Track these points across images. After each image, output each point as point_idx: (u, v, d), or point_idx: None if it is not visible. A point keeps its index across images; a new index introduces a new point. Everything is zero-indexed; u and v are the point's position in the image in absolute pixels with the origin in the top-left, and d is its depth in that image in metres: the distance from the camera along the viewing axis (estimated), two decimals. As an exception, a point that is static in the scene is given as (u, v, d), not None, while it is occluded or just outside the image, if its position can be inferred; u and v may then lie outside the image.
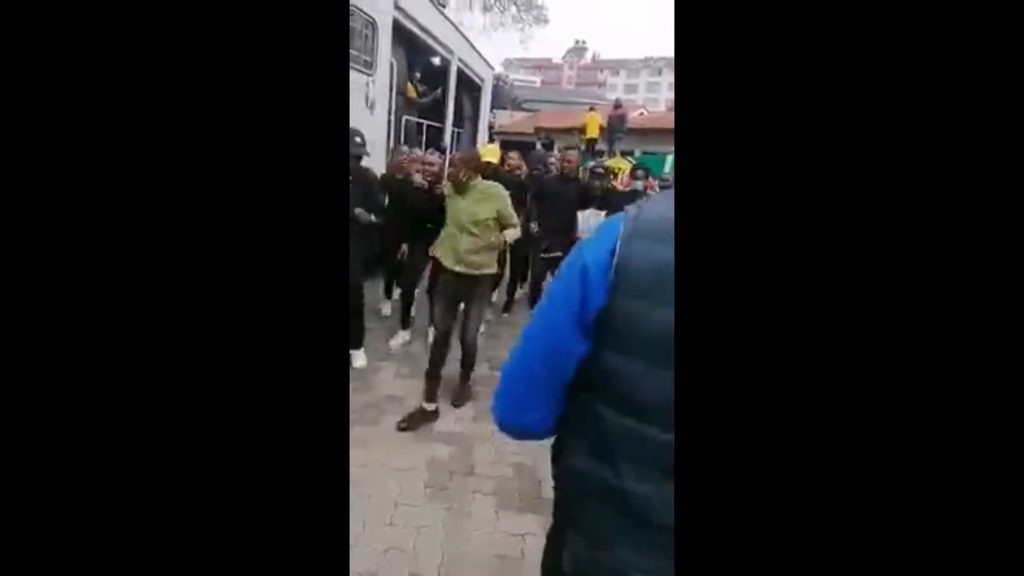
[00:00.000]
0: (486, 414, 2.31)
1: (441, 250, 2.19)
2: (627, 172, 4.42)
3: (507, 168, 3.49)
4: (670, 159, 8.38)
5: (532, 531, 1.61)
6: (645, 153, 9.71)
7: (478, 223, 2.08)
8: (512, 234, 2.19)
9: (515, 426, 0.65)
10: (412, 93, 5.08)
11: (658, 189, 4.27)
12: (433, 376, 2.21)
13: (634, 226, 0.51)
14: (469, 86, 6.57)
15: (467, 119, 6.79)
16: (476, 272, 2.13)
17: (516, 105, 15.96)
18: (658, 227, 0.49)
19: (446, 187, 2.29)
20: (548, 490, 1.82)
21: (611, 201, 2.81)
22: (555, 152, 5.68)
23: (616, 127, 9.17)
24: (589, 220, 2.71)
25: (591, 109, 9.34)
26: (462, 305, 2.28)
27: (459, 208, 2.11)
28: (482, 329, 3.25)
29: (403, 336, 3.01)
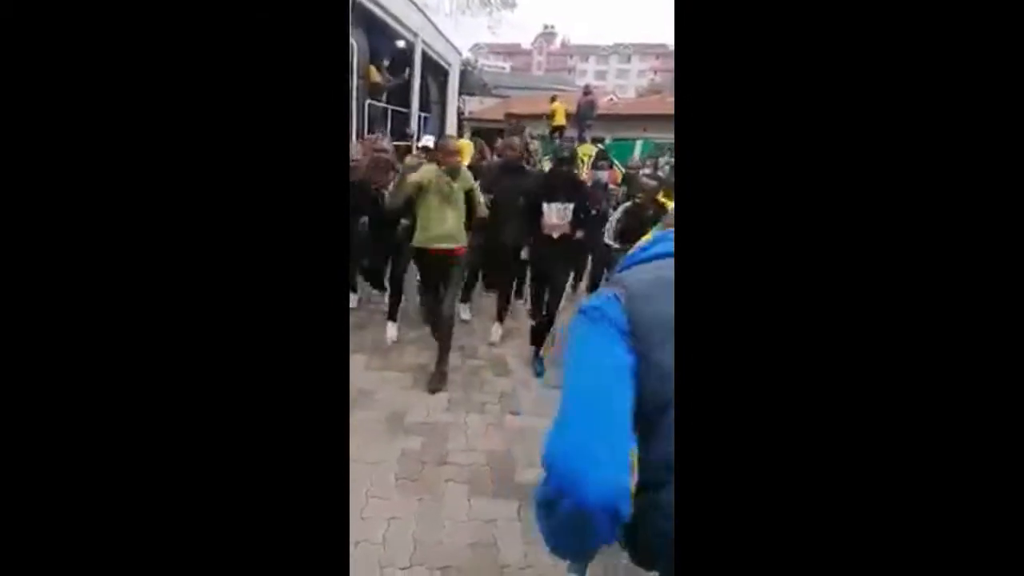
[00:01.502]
0: (459, 403, 2.30)
1: (423, 236, 2.39)
2: (590, 162, 4.32)
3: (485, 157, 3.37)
4: (639, 145, 8.45)
5: (505, 517, 1.62)
6: (615, 139, 9.76)
7: (459, 203, 2.39)
8: (482, 209, 2.54)
9: (583, 482, 0.47)
10: (375, 77, 4.92)
11: (620, 180, 4.18)
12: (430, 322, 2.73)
13: (628, 292, 0.58)
14: (435, 71, 6.42)
15: (434, 104, 6.65)
16: (453, 246, 2.40)
17: (486, 91, 15.72)
18: (649, 291, 0.57)
19: (424, 173, 2.38)
20: (521, 474, 1.85)
21: (576, 192, 2.69)
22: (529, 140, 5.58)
23: (586, 113, 9.16)
24: (554, 214, 2.54)
25: (553, 99, 9.29)
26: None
27: (449, 192, 2.34)
28: (466, 316, 3.30)
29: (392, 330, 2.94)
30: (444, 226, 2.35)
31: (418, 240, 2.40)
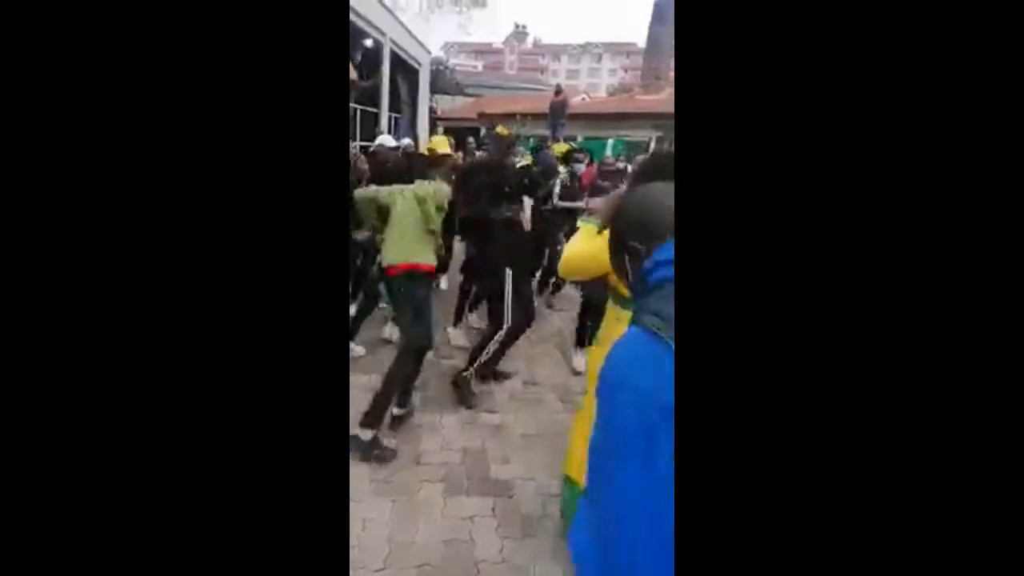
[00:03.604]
0: (430, 401, 2.30)
1: (392, 251, 2.09)
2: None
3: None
4: (610, 143, 8.58)
5: (480, 513, 1.63)
6: (587, 138, 9.87)
7: (431, 220, 2.09)
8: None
9: None
10: (351, 75, 4.85)
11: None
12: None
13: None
14: (405, 70, 6.36)
15: (405, 104, 6.60)
16: (415, 262, 2.09)
17: (459, 90, 15.64)
18: None
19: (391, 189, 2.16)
20: (496, 471, 1.86)
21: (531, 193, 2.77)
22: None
23: (558, 113, 9.24)
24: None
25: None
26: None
27: (414, 208, 2.07)
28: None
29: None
30: (404, 243, 2.09)
31: (386, 259, 2.11)
